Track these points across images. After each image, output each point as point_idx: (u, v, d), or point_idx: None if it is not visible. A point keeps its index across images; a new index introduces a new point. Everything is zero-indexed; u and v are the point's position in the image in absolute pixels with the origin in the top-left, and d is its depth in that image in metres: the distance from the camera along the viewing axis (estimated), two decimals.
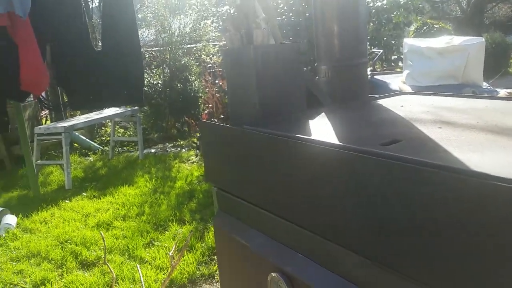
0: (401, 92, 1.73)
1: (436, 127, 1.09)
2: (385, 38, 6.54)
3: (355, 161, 0.88)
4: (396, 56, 7.10)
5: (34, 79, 3.55)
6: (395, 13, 6.37)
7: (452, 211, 0.69)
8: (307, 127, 1.23)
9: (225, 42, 6.67)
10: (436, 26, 10.63)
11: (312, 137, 1.06)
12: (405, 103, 1.47)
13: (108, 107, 5.89)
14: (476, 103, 1.37)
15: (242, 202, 1.33)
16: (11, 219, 3.96)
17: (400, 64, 7.16)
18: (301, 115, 1.38)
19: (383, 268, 0.87)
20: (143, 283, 1.94)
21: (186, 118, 6.86)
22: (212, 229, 3.53)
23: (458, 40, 4.12)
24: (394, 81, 4.28)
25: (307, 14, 5.02)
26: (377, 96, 1.63)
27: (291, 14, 5.21)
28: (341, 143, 0.97)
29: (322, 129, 1.19)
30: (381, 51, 5.56)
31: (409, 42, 4.49)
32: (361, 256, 0.92)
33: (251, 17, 1.39)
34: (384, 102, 1.53)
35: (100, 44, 4.31)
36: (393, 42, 6.90)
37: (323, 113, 1.38)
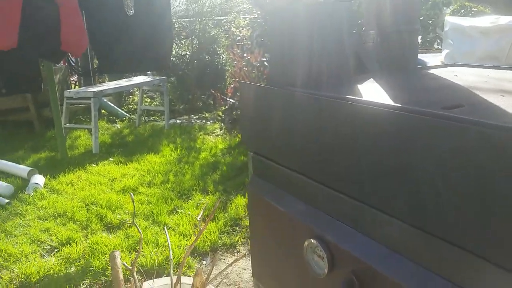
0: (451, 64, 1.63)
1: (499, 95, 1.00)
2: (422, 18, 6.28)
3: (415, 124, 0.81)
4: (432, 36, 6.85)
5: (75, 40, 3.55)
6: None
7: None
8: (356, 90, 1.16)
9: (256, 15, 6.52)
10: (475, 9, 10.18)
11: (363, 99, 0.99)
12: (458, 73, 1.37)
13: (137, 72, 5.90)
14: None
15: (279, 167, 1.28)
16: (39, 179, 4.03)
17: (436, 45, 6.90)
18: (348, 80, 1.31)
19: (430, 237, 0.81)
20: (170, 246, 1.93)
21: (212, 91, 6.82)
22: (235, 201, 3.53)
23: (505, 19, 3.90)
24: (433, 60, 4.11)
25: None
26: (427, 66, 1.54)
27: None
28: (398, 105, 0.90)
29: (372, 93, 1.12)
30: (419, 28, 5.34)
31: (451, 20, 4.29)
32: (407, 224, 0.86)
33: None
34: (435, 71, 1.44)
35: (131, 10, 4.25)
36: (430, 22, 6.64)
37: (371, 79, 1.30)
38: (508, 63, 3.76)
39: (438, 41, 6.68)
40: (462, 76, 1.30)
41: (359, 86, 1.21)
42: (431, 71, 1.45)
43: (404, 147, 0.83)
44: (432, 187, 0.79)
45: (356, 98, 0.99)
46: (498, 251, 0.69)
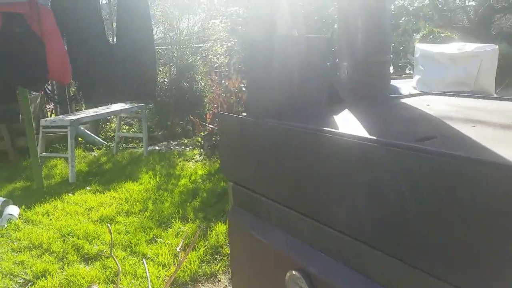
0: (423, 93, 1.69)
1: (469, 125, 1.05)
2: (393, 44, 6.49)
3: (391, 156, 0.83)
4: (403, 62, 7.06)
5: (61, 68, 3.55)
6: (403, 18, 6.33)
7: (502, 209, 0.65)
8: (332, 121, 1.19)
9: (233, 43, 6.63)
10: (443, 35, 10.59)
11: (341, 131, 1.02)
12: (431, 102, 1.43)
13: (122, 102, 5.87)
14: (504, 104, 1.33)
15: (259, 198, 1.29)
16: (13, 209, 3.92)
17: (407, 70, 7.11)
18: (324, 110, 1.35)
19: (412, 269, 0.83)
20: (148, 277, 1.90)
21: (191, 117, 6.82)
22: (215, 228, 3.49)
23: (471, 46, 4.07)
24: (404, 86, 4.24)
25: (332, 8, 4.97)
26: (400, 95, 1.59)
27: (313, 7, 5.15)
28: (375, 137, 0.92)
29: (348, 124, 1.15)
30: (391, 56, 5.52)
31: (421, 47, 4.45)
32: (390, 256, 0.88)
33: (275, 7, 1.36)
34: (408, 101, 1.49)
35: (114, 38, 4.26)
36: (401, 48, 6.86)
37: (346, 109, 1.34)
38: (477, 89, 3.91)
39: (410, 66, 6.90)
40: (434, 106, 1.36)
41: (335, 117, 1.24)
42: (404, 100, 1.50)
43: (381, 178, 0.85)
44: (412, 219, 0.81)
45: (332, 130, 1.02)
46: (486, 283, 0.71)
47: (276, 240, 1.20)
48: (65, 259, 3.10)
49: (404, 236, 0.83)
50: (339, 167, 0.96)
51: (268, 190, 1.26)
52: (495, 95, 4.31)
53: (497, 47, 4.02)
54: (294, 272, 1.07)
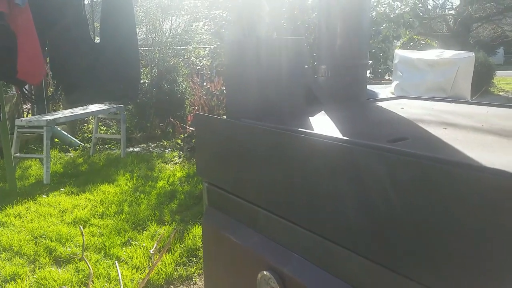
0: (398, 97, 1.70)
1: (441, 128, 1.06)
2: (373, 50, 6.58)
3: (361, 157, 0.83)
4: (383, 68, 7.17)
5: (31, 69, 3.45)
6: (384, 25, 6.42)
7: (469, 209, 0.65)
8: (307, 123, 1.19)
9: (216, 45, 6.62)
10: (423, 42, 10.81)
11: (314, 131, 1.02)
12: (405, 106, 1.44)
13: (105, 102, 5.78)
14: (477, 109, 1.35)
15: (234, 198, 1.28)
16: None
17: (387, 76, 7.23)
18: (301, 112, 1.34)
19: (381, 269, 0.83)
20: (121, 281, 1.86)
21: (171, 119, 6.77)
22: (192, 230, 3.46)
23: (449, 53, 4.16)
24: (383, 91, 4.29)
25: (315, 14, 5.01)
26: (376, 98, 1.60)
27: (296, 11, 5.17)
28: (346, 138, 0.92)
29: (323, 125, 1.15)
30: (371, 61, 5.59)
31: (400, 53, 4.52)
32: (359, 256, 0.88)
33: (255, 10, 1.35)
34: (383, 104, 1.50)
35: (98, 38, 4.19)
36: (381, 54, 6.96)
37: (322, 111, 1.34)
38: (454, 94, 3.99)
39: (389, 72, 7.01)
40: (408, 109, 1.37)
41: (311, 119, 1.24)
42: (380, 103, 1.51)
43: (352, 178, 0.85)
44: (382, 219, 0.81)
45: (307, 131, 1.01)
46: (456, 285, 0.71)
47: (249, 240, 1.18)
48: (36, 261, 3.01)
49: (373, 236, 0.82)
50: (312, 168, 0.95)
51: (241, 191, 1.24)
52: (471, 101, 4.41)
53: (473, 54, 4.12)
54: (265, 272, 1.06)
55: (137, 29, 8.17)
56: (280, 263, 1.06)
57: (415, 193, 0.73)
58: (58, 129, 6.38)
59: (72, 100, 4.76)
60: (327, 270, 0.96)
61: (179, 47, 7.84)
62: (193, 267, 2.93)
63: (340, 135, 0.99)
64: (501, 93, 13.56)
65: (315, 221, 0.97)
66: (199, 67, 6.95)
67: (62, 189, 4.54)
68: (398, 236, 0.77)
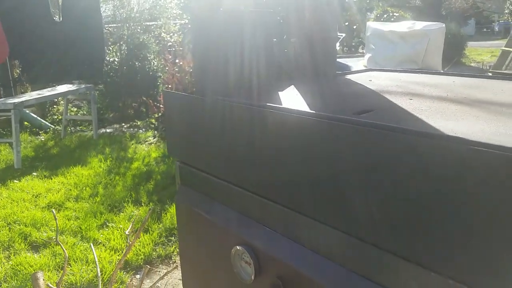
0: (368, 69, 1.71)
1: (407, 98, 1.07)
2: (346, 23, 6.57)
3: (328, 129, 0.84)
4: (356, 41, 7.18)
5: None
6: None
7: (432, 178, 0.67)
8: (276, 98, 1.18)
9: (187, 21, 6.47)
10: (396, 14, 10.84)
11: (282, 106, 1.01)
12: (373, 78, 1.45)
13: (67, 81, 5.60)
14: (443, 79, 1.37)
15: (205, 176, 1.28)
16: None
17: (360, 50, 7.25)
18: (270, 87, 1.33)
19: (353, 239, 0.84)
20: (97, 263, 1.85)
21: (144, 98, 6.65)
22: (170, 210, 3.45)
23: (419, 25, 4.19)
24: (356, 64, 4.31)
25: None
26: (345, 72, 1.60)
27: None
28: (313, 111, 0.92)
29: (292, 100, 1.14)
30: (344, 34, 5.59)
31: (373, 25, 4.53)
32: (329, 226, 0.89)
33: None
34: (352, 77, 1.50)
35: (60, 16, 4.04)
36: (354, 27, 6.96)
37: (292, 86, 1.33)
38: (425, 66, 4.04)
39: (362, 45, 7.03)
40: (376, 81, 1.38)
41: (280, 94, 1.23)
42: (349, 76, 1.51)
43: (321, 152, 0.86)
44: (349, 190, 0.82)
45: (276, 105, 1.01)
46: (416, 251, 0.73)
47: (222, 216, 1.19)
48: (11, 248, 2.96)
49: (341, 207, 0.84)
50: (281, 142, 0.96)
51: (213, 168, 1.24)
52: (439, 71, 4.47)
53: (444, 25, 4.17)
54: (238, 247, 1.07)
55: (104, 5, 7.93)
56: (253, 237, 1.07)
57: (379, 163, 0.74)
58: (27, 111, 6.19)
59: (35, 80, 4.61)
60: (299, 242, 0.98)
61: (148, 23, 7.63)
62: (172, 246, 2.94)
63: (307, 109, 0.99)
64: (473, 64, 13.82)
65: (286, 195, 0.98)
66: (170, 43, 6.80)
67: (34, 173, 4.45)
68: (364, 206, 0.79)
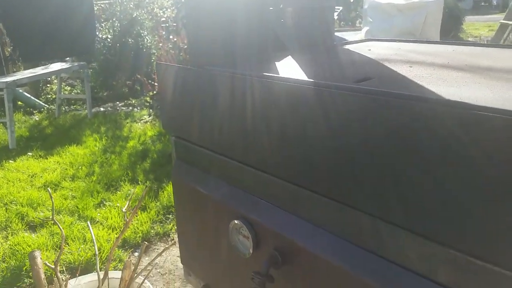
0: (367, 39, 1.67)
1: (407, 66, 1.04)
2: None
3: (327, 98, 0.81)
4: (354, 15, 7.07)
5: None
6: None
7: (435, 143, 0.65)
8: (274, 68, 1.15)
9: None
10: None
11: (280, 76, 0.98)
12: (372, 47, 1.41)
13: (59, 58, 5.50)
14: (443, 47, 1.34)
15: (202, 150, 1.25)
16: None
17: (357, 23, 7.15)
18: (267, 57, 1.30)
19: (351, 209, 0.83)
20: (95, 241, 1.84)
21: (138, 76, 6.56)
22: (167, 188, 3.44)
23: None
24: (353, 37, 4.24)
25: None
26: (343, 42, 1.57)
27: None
28: (312, 80, 0.89)
29: (290, 70, 1.11)
30: (341, 8, 5.49)
31: None
32: (326, 197, 0.87)
33: None
34: (351, 47, 1.46)
35: None
36: (352, 1, 6.85)
37: (289, 56, 1.29)
38: (423, 38, 3.98)
39: (360, 19, 6.93)
40: (375, 50, 1.34)
41: (277, 64, 1.20)
42: (347, 46, 1.48)
43: (318, 121, 0.83)
44: (348, 160, 0.80)
45: (273, 75, 0.98)
46: (416, 220, 0.71)
47: (218, 191, 1.17)
48: (8, 228, 2.96)
49: (340, 177, 0.82)
50: (279, 112, 0.93)
51: (209, 142, 1.22)
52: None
53: None
54: (236, 221, 1.06)
55: None
56: (250, 211, 1.06)
57: (381, 131, 0.72)
58: (20, 91, 6.11)
59: (25, 56, 4.53)
60: (296, 214, 0.96)
61: None
62: (170, 224, 2.94)
63: (306, 78, 0.96)
64: (470, 38, 13.68)
65: (283, 167, 0.96)
66: (164, 19, 6.67)
67: (29, 153, 4.41)
68: (365, 175, 0.77)
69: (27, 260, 2.52)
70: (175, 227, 2.90)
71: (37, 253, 1.84)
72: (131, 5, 6.87)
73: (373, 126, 0.72)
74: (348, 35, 4.33)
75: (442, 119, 0.63)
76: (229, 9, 1.26)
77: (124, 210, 1.85)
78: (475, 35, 14.40)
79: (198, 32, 1.30)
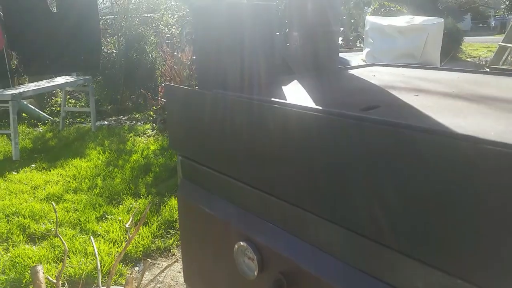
0: (371, 64, 1.70)
1: (412, 94, 1.06)
2: (344, 17, 6.55)
3: (335, 126, 0.83)
4: (354, 35, 7.16)
5: None
6: None
7: (442, 175, 0.67)
8: (280, 92, 1.18)
9: (185, 12, 6.42)
10: (393, 8, 10.82)
11: (287, 101, 1.01)
12: (377, 73, 1.44)
13: (64, 72, 5.56)
14: (447, 74, 1.37)
15: (208, 171, 1.27)
16: None
17: (358, 44, 7.23)
18: (273, 81, 1.33)
19: (357, 236, 0.84)
20: (97, 255, 1.85)
21: (142, 91, 6.62)
22: (168, 203, 3.45)
23: (418, 19, 4.18)
24: (355, 58, 4.30)
25: None
26: (348, 66, 1.60)
27: None
28: (319, 107, 0.92)
29: (295, 95, 1.14)
30: (342, 28, 5.56)
31: (371, 19, 4.51)
32: (333, 223, 0.89)
33: None
34: (355, 72, 1.49)
35: (54, 7, 3.99)
36: (352, 21, 6.94)
37: (295, 80, 1.32)
38: (423, 60, 4.03)
39: (360, 40, 7.01)
40: (380, 76, 1.37)
41: (284, 88, 1.23)
42: (352, 71, 1.51)
43: (326, 148, 0.85)
44: (354, 187, 0.82)
45: (281, 101, 1.00)
46: (423, 249, 0.73)
47: (224, 211, 1.18)
48: (9, 240, 2.96)
49: (346, 203, 0.83)
50: (285, 138, 0.95)
51: (216, 163, 1.23)
52: (441, 67, 4.46)
53: (442, 20, 4.15)
54: (242, 243, 1.07)
55: None
56: (256, 233, 1.07)
57: (388, 160, 0.74)
58: (25, 103, 6.16)
59: (30, 71, 4.57)
60: (302, 238, 0.97)
61: (146, 15, 7.58)
62: (171, 239, 2.94)
63: (313, 105, 0.98)
64: (469, 59, 13.83)
65: (289, 191, 0.98)
66: (168, 35, 6.76)
67: (32, 165, 4.43)
68: (370, 203, 0.78)
69: (27, 273, 2.52)
70: (176, 243, 2.90)
71: (40, 268, 1.84)
72: (136, 21, 6.97)
73: (380, 156, 0.74)
74: (349, 56, 4.38)
75: (450, 152, 0.65)
76: (237, 32, 1.29)
77: (127, 225, 1.86)
78: (474, 56, 14.54)
79: (205, 55, 1.33)
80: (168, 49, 6.34)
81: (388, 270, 0.80)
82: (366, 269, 0.84)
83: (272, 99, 1.01)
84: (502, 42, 8.50)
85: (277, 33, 1.44)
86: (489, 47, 16.52)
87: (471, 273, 0.67)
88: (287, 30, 1.56)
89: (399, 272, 0.77)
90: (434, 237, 0.70)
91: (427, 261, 0.72)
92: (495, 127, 0.75)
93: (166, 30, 6.98)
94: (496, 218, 0.62)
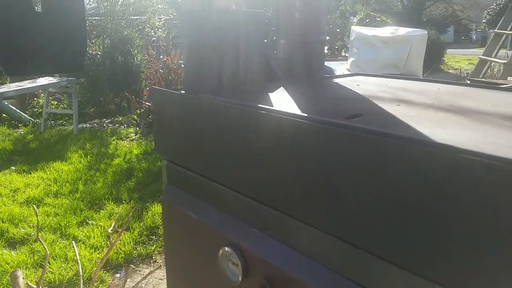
0: (355, 73, 1.73)
1: (395, 104, 1.09)
2: (330, 26, 6.63)
3: (319, 133, 0.85)
4: (339, 45, 7.25)
5: None
6: (342, 1, 6.47)
7: (421, 184, 0.69)
8: (266, 99, 1.19)
9: (172, 16, 6.41)
10: (378, 18, 11.00)
11: (273, 108, 1.02)
12: (361, 82, 1.47)
13: (47, 73, 5.50)
14: (429, 85, 1.40)
15: (193, 175, 1.27)
16: None
17: (343, 53, 7.32)
18: (260, 87, 1.34)
19: (339, 241, 0.86)
20: (79, 261, 1.82)
21: (126, 94, 6.57)
22: (151, 208, 3.42)
23: (403, 30, 4.26)
24: (339, 68, 4.36)
25: None
26: (333, 75, 1.62)
27: None
28: (306, 115, 0.93)
29: (281, 102, 1.15)
30: (328, 37, 5.64)
31: (356, 29, 4.58)
32: (318, 230, 0.90)
33: None
34: (340, 81, 1.52)
35: (39, 6, 3.94)
36: (338, 30, 7.03)
37: (281, 87, 1.34)
38: (406, 71, 4.11)
39: (345, 49, 7.10)
40: (364, 86, 1.40)
41: (270, 95, 1.24)
42: (336, 80, 1.53)
43: (310, 154, 0.87)
44: (339, 193, 0.83)
45: (267, 107, 1.02)
46: (404, 255, 0.74)
47: (209, 217, 1.19)
48: None
49: (329, 209, 0.85)
50: (271, 144, 0.96)
51: (201, 168, 1.24)
52: (422, 78, 4.56)
53: (426, 32, 4.24)
54: (226, 248, 1.07)
55: None
56: (241, 238, 1.08)
57: (369, 167, 0.76)
58: (6, 103, 6.05)
59: (14, 71, 4.50)
60: (286, 243, 0.99)
61: (132, 17, 7.54)
62: (153, 245, 2.92)
63: (298, 112, 1.00)
64: (451, 71, 14.14)
65: (275, 197, 0.99)
66: (154, 38, 6.73)
67: (12, 168, 4.35)
68: (353, 209, 0.80)
69: (5, 278, 2.47)
70: (159, 249, 2.88)
71: (19, 273, 1.81)
72: (122, 23, 6.93)
73: (363, 163, 0.76)
74: (334, 65, 4.44)
75: (429, 160, 0.67)
76: (225, 39, 1.30)
77: (109, 231, 1.85)
78: (455, 68, 14.87)
79: (194, 60, 1.34)
80: (154, 52, 6.32)
81: (372, 276, 0.81)
82: (349, 275, 0.86)
83: (258, 105, 1.02)
84: (482, 55, 8.72)
85: (265, 40, 1.46)
86: (470, 59, 16.93)
87: (450, 279, 0.69)
88: (274, 37, 1.58)
89: (383, 278, 0.79)
90: (413, 243, 0.72)
91: (409, 267, 0.74)
92: (473, 138, 0.77)
93: (153, 33, 6.96)
94: (473, 224, 0.64)
